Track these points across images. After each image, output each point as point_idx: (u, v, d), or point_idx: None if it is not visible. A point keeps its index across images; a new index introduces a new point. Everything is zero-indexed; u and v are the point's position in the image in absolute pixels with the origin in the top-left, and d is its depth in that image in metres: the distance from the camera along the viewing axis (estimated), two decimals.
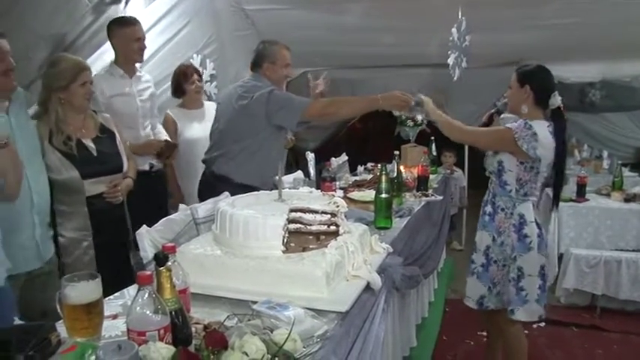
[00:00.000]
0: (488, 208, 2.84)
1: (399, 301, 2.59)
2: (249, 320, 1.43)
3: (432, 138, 4.49)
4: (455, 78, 4.33)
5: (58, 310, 1.36)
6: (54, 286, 2.28)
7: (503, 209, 2.76)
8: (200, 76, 4.06)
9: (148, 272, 1.24)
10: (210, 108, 4.15)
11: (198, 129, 3.83)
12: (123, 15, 3.41)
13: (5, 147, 1.97)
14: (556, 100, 2.67)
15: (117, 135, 2.79)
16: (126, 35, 3.19)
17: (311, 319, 1.48)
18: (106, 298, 1.56)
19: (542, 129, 2.62)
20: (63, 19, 3.09)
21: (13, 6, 2.65)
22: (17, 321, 1.53)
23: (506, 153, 2.70)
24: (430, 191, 3.56)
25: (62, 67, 2.57)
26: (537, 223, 2.72)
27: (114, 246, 2.67)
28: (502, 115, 2.97)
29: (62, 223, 2.54)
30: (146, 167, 3.38)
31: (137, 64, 3.37)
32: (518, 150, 2.61)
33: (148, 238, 2.04)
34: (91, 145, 2.63)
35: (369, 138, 7.71)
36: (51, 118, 2.54)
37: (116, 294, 1.76)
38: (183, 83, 3.87)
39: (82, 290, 1.34)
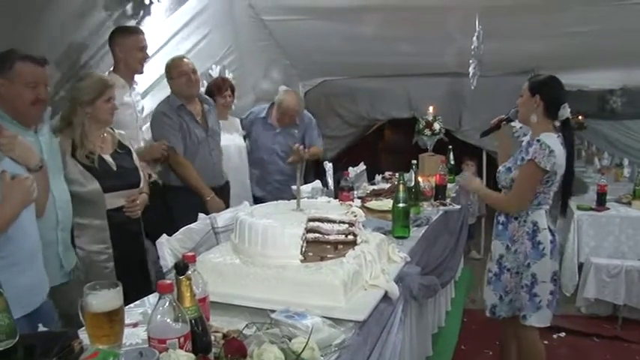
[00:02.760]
0: (502, 218, 2.84)
1: (416, 309, 2.60)
2: (267, 329, 1.45)
3: (450, 147, 4.50)
4: (472, 87, 4.34)
5: (80, 318, 1.39)
6: (75, 296, 2.36)
7: (516, 218, 2.76)
8: (233, 92, 4.14)
9: (169, 281, 1.27)
10: (234, 122, 4.23)
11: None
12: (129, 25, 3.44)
13: (40, 170, 2.01)
14: (565, 111, 2.69)
15: (133, 151, 2.85)
16: (129, 44, 3.16)
17: (329, 327, 1.50)
18: (127, 307, 1.59)
19: (555, 143, 2.63)
20: (84, 33, 3.15)
21: (36, 19, 2.71)
22: (41, 328, 1.57)
23: (519, 170, 2.71)
24: (448, 200, 3.56)
25: (89, 82, 2.64)
26: (550, 230, 2.73)
27: (131, 259, 2.72)
28: (514, 127, 2.99)
29: (80, 236, 2.56)
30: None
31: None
32: (543, 172, 2.63)
33: (168, 247, 2.08)
34: (110, 160, 2.68)
35: (388, 147, 7.67)
36: (76, 131, 2.59)
37: (137, 302, 1.80)
38: (215, 95, 3.97)
39: (103, 298, 1.37)
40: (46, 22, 2.81)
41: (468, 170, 5.62)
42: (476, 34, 4.08)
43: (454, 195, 3.85)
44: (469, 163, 5.75)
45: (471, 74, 4.22)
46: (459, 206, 3.59)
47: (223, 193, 3.66)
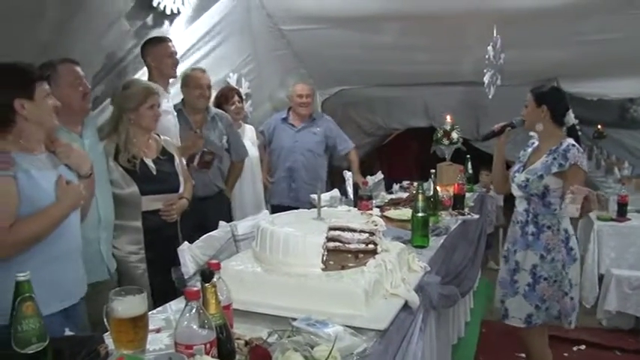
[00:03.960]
0: (531, 228, 2.85)
1: (435, 319, 2.58)
2: (289, 337, 1.45)
3: (468, 156, 4.48)
4: (490, 96, 4.33)
5: (105, 323, 1.42)
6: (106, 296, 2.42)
7: (549, 227, 2.82)
8: (241, 97, 4.21)
9: (196, 288, 1.29)
10: (248, 130, 4.27)
11: None
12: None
13: (89, 177, 2.14)
14: (571, 117, 2.88)
15: (176, 157, 2.92)
16: (159, 52, 3.30)
17: (350, 336, 1.50)
18: (150, 312, 1.61)
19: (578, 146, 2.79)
20: (108, 43, 3.22)
21: (65, 31, 2.77)
22: (67, 332, 1.59)
23: (553, 176, 2.77)
24: (466, 210, 3.55)
25: (133, 90, 2.76)
26: (575, 235, 2.88)
27: (164, 262, 2.73)
28: (531, 134, 3.05)
29: (117, 236, 2.67)
30: None
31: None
32: (585, 174, 2.78)
33: (190, 254, 2.10)
34: (151, 164, 2.78)
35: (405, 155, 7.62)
36: (121, 136, 2.71)
37: (159, 308, 1.82)
38: (223, 104, 4.05)
39: (128, 304, 1.39)
40: (74, 34, 2.87)
41: (484, 180, 5.56)
42: (491, 42, 4.08)
43: (472, 204, 3.83)
44: (486, 173, 5.69)
45: (486, 83, 4.22)
46: (477, 216, 3.57)
47: (215, 202, 3.68)
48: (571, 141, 2.79)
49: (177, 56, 3.51)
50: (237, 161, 3.94)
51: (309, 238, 1.87)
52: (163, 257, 2.69)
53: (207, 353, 1.22)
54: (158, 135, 2.92)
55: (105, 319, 1.40)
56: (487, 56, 4.05)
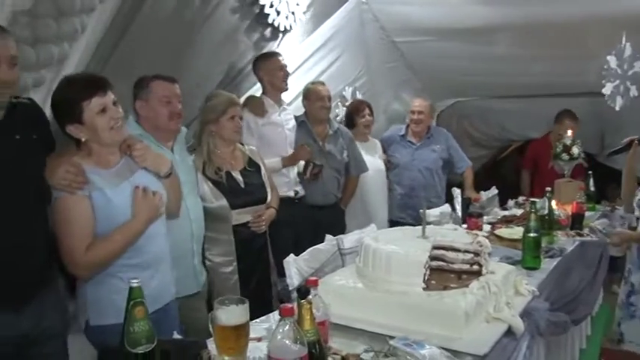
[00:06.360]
0: None
1: (545, 347, 2.47)
2: (385, 356, 1.48)
3: (590, 172, 4.22)
4: (617, 107, 4.05)
5: (210, 329, 1.51)
6: (201, 308, 2.54)
7: None
8: (371, 110, 4.31)
9: (290, 305, 1.35)
10: (374, 143, 4.35)
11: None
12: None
13: (170, 177, 2.17)
14: None
15: (262, 167, 2.96)
16: (271, 66, 3.45)
17: (446, 359, 1.50)
18: (252, 321, 1.66)
19: None
20: (226, 57, 3.44)
21: (185, 48, 3.00)
22: (176, 335, 1.72)
23: None
24: (585, 230, 3.35)
25: (215, 101, 2.81)
26: None
27: (255, 272, 2.85)
28: None
29: (209, 248, 2.74)
30: (291, 194, 3.55)
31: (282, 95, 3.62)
32: None
33: (295, 267, 2.18)
34: (239, 177, 2.82)
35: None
36: (204, 149, 2.77)
37: (262, 318, 1.89)
38: (354, 115, 4.22)
39: (231, 314, 1.48)
40: (195, 50, 3.10)
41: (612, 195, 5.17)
42: (614, 51, 3.84)
43: (593, 224, 3.60)
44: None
45: (608, 94, 3.96)
46: (597, 237, 3.35)
47: (330, 212, 3.81)
48: None
49: (292, 70, 3.67)
50: (354, 176, 4.04)
51: (411, 256, 1.89)
52: (254, 268, 2.83)
53: None
54: (243, 145, 2.96)
55: (210, 326, 1.49)
56: (605, 66, 3.82)
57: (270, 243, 2.97)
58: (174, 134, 2.55)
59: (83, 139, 1.90)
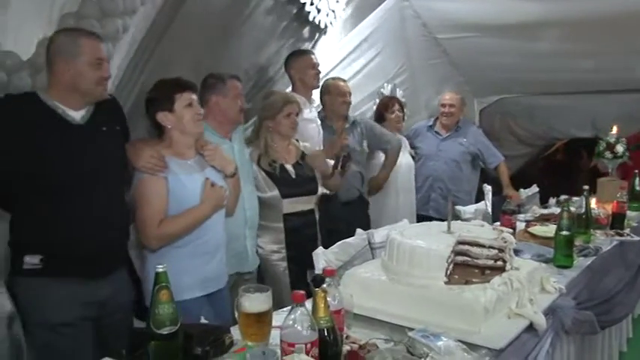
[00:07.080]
0: None
1: (577, 346, 2.44)
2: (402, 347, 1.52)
3: (636, 171, 4.10)
4: None
5: (235, 315, 1.60)
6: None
7: None
8: (402, 106, 4.32)
9: (301, 292, 1.41)
10: (404, 140, 4.35)
11: None
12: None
13: (234, 177, 2.44)
14: None
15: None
16: (303, 64, 3.47)
17: (462, 352, 1.53)
18: (280, 309, 1.74)
19: None
20: (264, 57, 3.52)
21: (223, 48, 3.11)
22: (203, 320, 1.82)
23: None
24: (627, 230, 3.27)
25: (272, 99, 2.98)
26: None
27: (304, 261, 2.93)
28: None
29: (261, 235, 2.91)
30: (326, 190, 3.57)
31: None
32: None
33: (324, 259, 2.24)
34: (291, 169, 2.97)
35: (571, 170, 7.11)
36: (261, 143, 2.94)
37: (288, 307, 1.96)
38: (383, 111, 4.23)
39: (255, 301, 1.56)
40: (234, 49, 3.20)
41: None
42: None
43: (635, 225, 3.51)
44: None
45: None
46: (638, 238, 3.26)
47: (356, 206, 3.80)
48: None
49: (329, 67, 3.71)
50: (390, 151, 3.99)
51: (434, 250, 1.91)
52: (304, 257, 2.90)
53: (307, 353, 1.34)
54: (297, 141, 3.09)
55: (235, 312, 1.58)
56: None
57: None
58: (237, 125, 2.81)
59: (169, 126, 2.21)
